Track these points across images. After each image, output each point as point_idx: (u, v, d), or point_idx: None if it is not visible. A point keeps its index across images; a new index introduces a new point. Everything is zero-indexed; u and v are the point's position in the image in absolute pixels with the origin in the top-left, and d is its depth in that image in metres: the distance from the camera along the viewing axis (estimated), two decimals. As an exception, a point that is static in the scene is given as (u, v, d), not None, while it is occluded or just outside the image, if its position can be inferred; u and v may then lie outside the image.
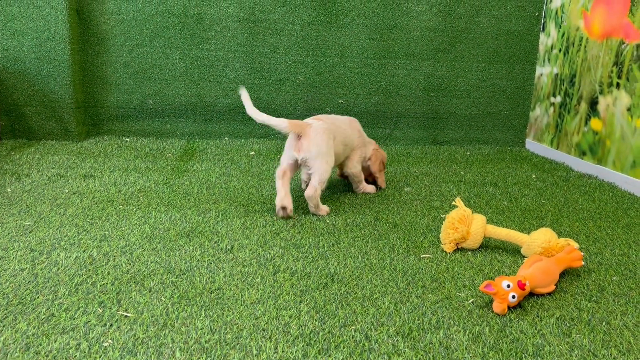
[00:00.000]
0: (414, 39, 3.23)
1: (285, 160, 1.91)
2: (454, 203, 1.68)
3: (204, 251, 1.51)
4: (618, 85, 2.55)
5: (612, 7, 2.60)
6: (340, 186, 2.31)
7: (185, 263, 1.43)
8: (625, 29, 2.51)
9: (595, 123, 2.73)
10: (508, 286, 1.23)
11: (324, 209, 1.91)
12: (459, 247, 1.63)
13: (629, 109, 2.47)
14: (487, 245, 1.68)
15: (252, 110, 1.88)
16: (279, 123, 1.84)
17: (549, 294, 1.34)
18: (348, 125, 2.12)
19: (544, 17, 3.29)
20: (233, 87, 3.16)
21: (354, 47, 3.20)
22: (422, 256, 1.56)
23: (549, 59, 3.22)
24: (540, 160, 3.02)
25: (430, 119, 3.39)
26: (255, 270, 1.40)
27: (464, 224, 1.60)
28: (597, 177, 2.66)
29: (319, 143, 1.85)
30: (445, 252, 1.60)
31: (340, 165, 2.19)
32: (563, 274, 1.46)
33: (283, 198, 1.80)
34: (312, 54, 3.18)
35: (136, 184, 2.18)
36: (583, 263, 1.46)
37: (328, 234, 1.71)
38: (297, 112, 3.24)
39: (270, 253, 1.52)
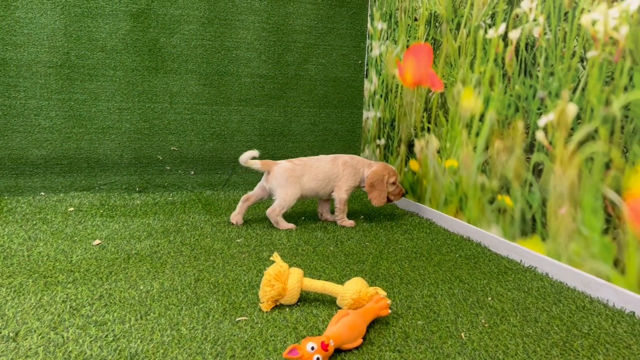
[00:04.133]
0: (245, 85, 3.25)
1: (257, 186, 2.57)
2: (271, 258, 1.66)
3: (-21, 343, 1.30)
4: (429, 129, 2.78)
5: (419, 58, 2.86)
6: (163, 243, 2.18)
7: (-50, 362, 1.21)
8: (431, 79, 2.76)
9: (413, 164, 2.95)
10: (312, 348, 1.22)
11: (285, 224, 2.48)
12: (278, 303, 1.60)
13: (438, 151, 2.70)
14: (306, 298, 1.67)
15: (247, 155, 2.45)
16: (255, 164, 2.48)
17: (357, 348, 1.35)
18: (328, 163, 2.58)
19: (367, 65, 3.52)
20: (48, 137, 2.88)
21: (183, 93, 3.12)
22: (237, 319, 1.50)
23: (373, 104, 3.44)
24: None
25: (267, 163, 3.41)
26: (40, 362, 1.22)
27: (280, 280, 1.58)
28: (417, 214, 2.85)
29: (278, 178, 2.47)
30: (263, 311, 1.56)
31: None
32: (373, 323, 1.49)
33: (235, 215, 2.53)
34: (138, 101, 3.03)
35: None
36: (390, 311, 1.51)
37: (139, 304, 1.58)
38: (123, 161, 3.05)
39: (63, 336, 1.35)
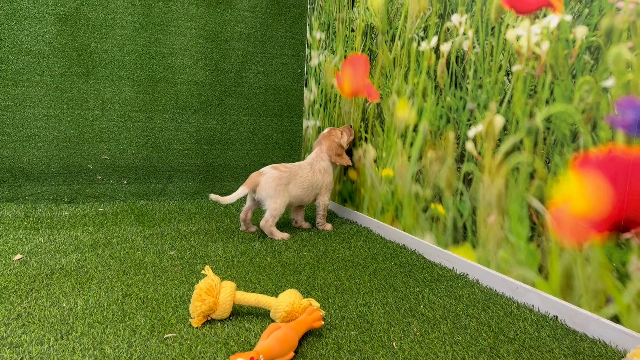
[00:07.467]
0: (181, 92, 3.18)
1: (247, 199, 2.61)
2: (202, 272, 1.62)
3: None
4: (366, 139, 2.81)
5: (356, 69, 2.89)
6: (86, 257, 2.08)
7: None
8: (367, 89, 2.80)
9: (352, 173, 2.97)
10: (242, 365, 1.19)
11: (279, 234, 2.51)
12: (209, 318, 1.56)
13: (375, 161, 2.73)
14: (239, 312, 1.64)
15: (224, 200, 2.43)
16: (242, 192, 2.47)
17: (288, 362, 1.33)
18: (309, 172, 2.65)
19: (306, 74, 3.52)
20: (-34, 146, 2.70)
21: (116, 100, 3.01)
22: (165, 336, 1.44)
23: (312, 113, 3.44)
24: (311, 209, 3.17)
25: (206, 172, 3.34)
26: (-57, 391, 1.13)
27: (211, 294, 1.54)
28: (356, 222, 2.87)
29: (267, 189, 2.49)
30: (193, 327, 1.51)
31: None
32: (307, 335, 1.48)
33: (246, 229, 2.62)
34: (67, 107, 2.90)
35: None
36: (323, 322, 1.50)
37: (61, 322, 1.49)
38: (51, 170, 2.90)
39: (-28, 361, 1.25)
